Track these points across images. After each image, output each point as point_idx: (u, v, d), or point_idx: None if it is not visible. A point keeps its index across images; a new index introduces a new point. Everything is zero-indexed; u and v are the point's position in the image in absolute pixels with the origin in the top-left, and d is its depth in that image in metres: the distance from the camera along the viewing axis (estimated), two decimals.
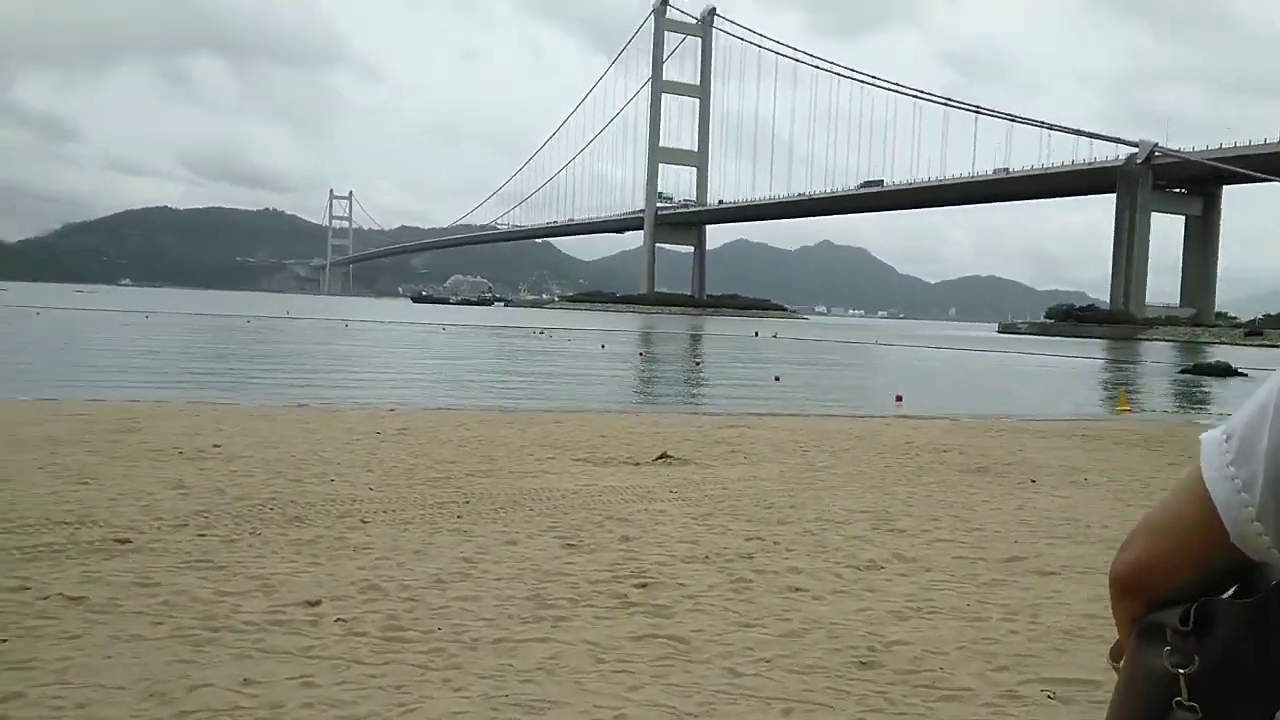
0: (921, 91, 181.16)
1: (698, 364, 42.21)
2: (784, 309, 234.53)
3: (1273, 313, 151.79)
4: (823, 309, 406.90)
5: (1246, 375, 42.42)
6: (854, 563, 5.90)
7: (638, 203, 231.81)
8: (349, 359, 36.40)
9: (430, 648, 4.18)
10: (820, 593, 5.19)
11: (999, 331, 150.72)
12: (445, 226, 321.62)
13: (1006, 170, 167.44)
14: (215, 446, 10.61)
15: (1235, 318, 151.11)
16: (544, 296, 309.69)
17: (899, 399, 25.06)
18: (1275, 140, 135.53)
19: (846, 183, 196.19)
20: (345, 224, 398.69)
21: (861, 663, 4.19)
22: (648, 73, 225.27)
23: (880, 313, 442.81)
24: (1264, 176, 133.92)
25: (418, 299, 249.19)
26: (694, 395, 27.13)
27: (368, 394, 21.91)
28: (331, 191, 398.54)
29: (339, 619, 4.52)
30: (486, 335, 64.04)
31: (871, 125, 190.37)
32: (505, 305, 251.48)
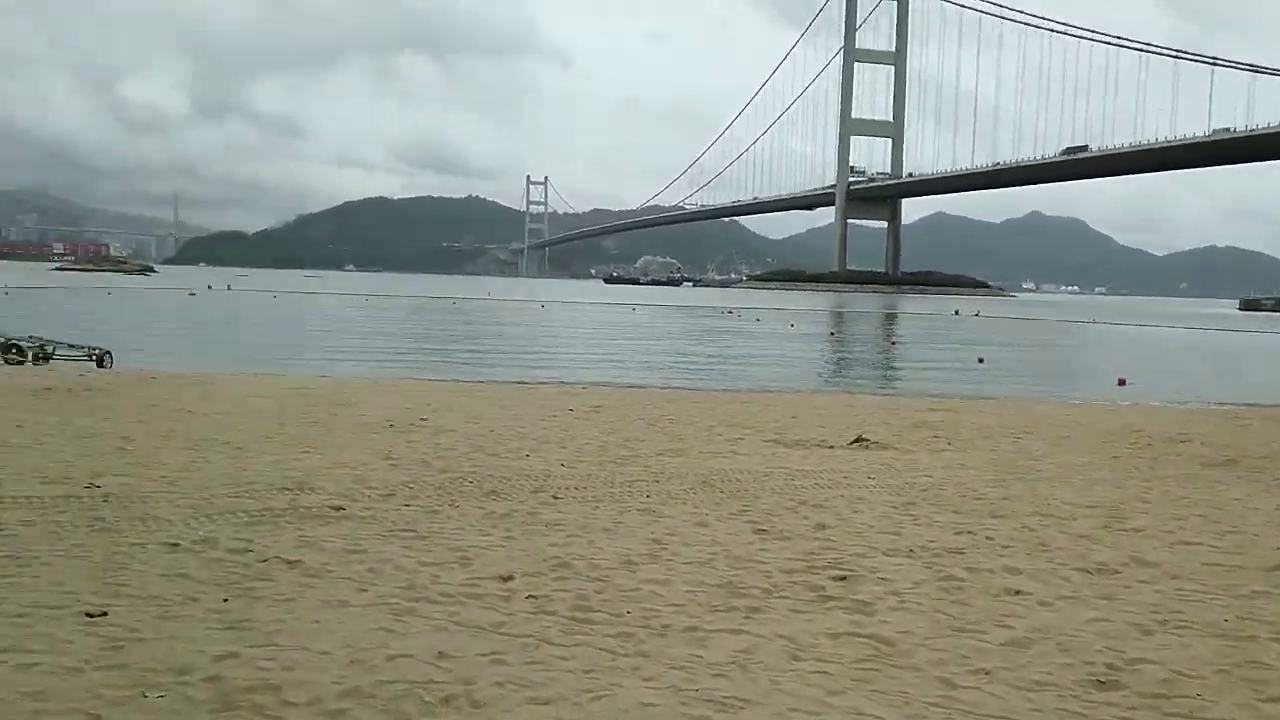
0: (1146, 44, 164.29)
1: (893, 344, 40.53)
2: (987, 286, 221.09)
3: None
4: (1031, 285, 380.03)
5: None
6: (1082, 565, 5.26)
7: (828, 178, 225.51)
8: (544, 338, 37.77)
9: (619, 631, 4.07)
10: (1045, 597, 4.64)
11: (1240, 309, 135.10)
12: (635, 208, 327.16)
13: (1249, 129, 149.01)
14: (422, 420, 11.15)
15: None
16: (732, 276, 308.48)
17: (1121, 382, 22.93)
18: None
19: (1057, 148, 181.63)
20: (541, 208, 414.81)
21: (1100, 682, 3.67)
22: (839, 43, 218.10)
23: (1098, 289, 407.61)
24: None
25: (609, 280, 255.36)
26: (890, 376, 25.99)
27: (562, 372, 22.56)
28: (528, 177, 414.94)
29: (530, 595, 4.51)
30: (675, 315, 64.57)
31: (1089, 85, 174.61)
32: (694, 285, 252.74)
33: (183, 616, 4.03)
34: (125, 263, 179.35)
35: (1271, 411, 16.61)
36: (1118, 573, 5.10)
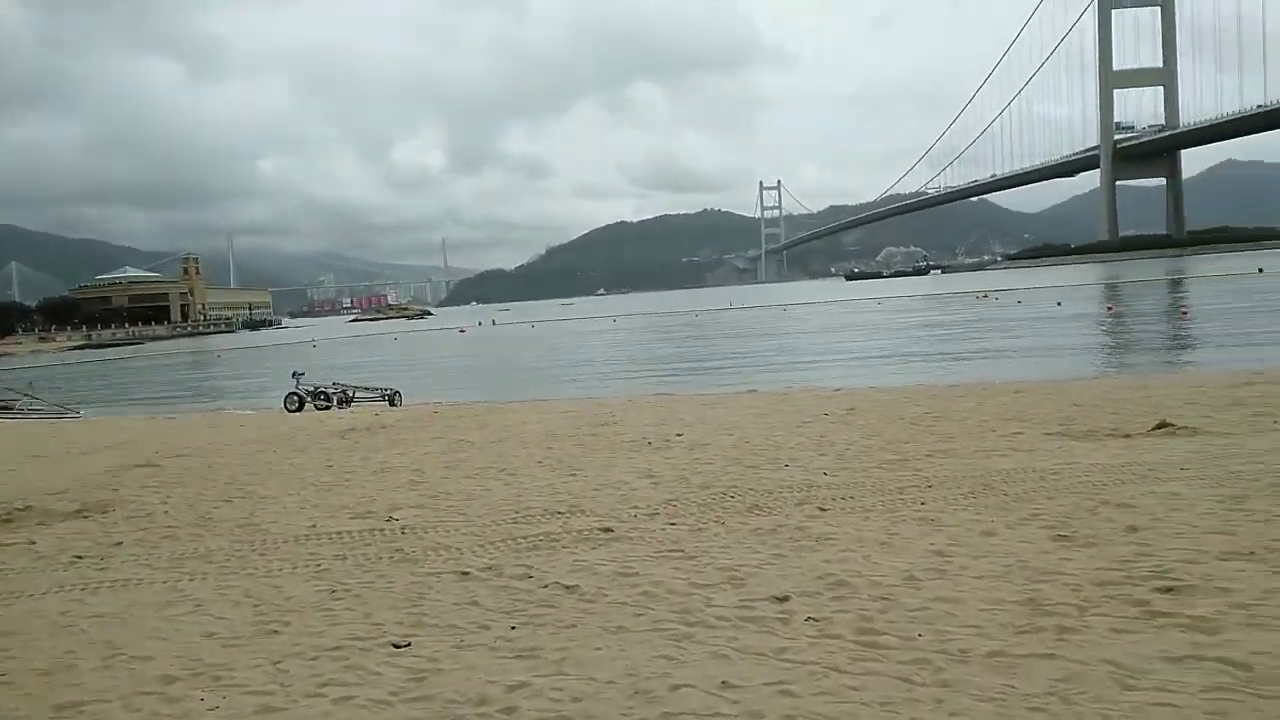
0: None
1: (1184, 314, 35.96)
2: None
3: None
4: None
5: None
6: None
7: (1089, 139, 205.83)
8: (788, 342, 37.28)
9: (913, 657, 3.72)
10: None
11: None
12: (873, 200, 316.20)
13: None
14: (678, 435, 11.24)
15: None
16: (985, 259, 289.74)
17: None
18: None
19: None
20: (776, 213, 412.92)
21: None
22: None
23: None
24: None
25: (850, 276, 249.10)
26: (1187, 351, 23.00)
27: (811, 375, 22.07)
28: (761, 183, 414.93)
29: (809, 618, 4.27)
30: (923, 306, 61.48)
31: None
32: (943, 272, 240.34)
33: (476, 645, 4.20)
34: (406, 309, 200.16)
35: None
36: None
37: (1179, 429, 8.96)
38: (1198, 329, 28.43)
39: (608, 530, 6.25)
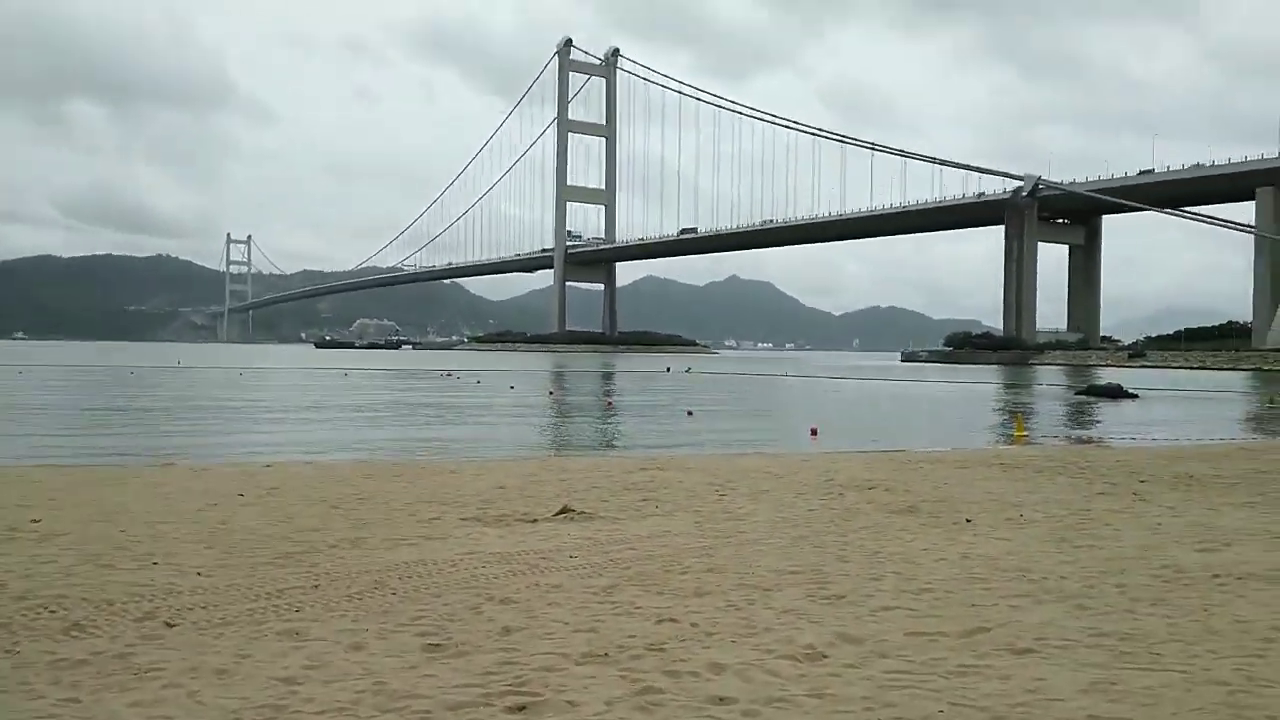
0: (819, 129, 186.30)
1: (609, 403, 41.07)
2: (695, 344, 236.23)
3: (1152, 335, 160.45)
4: (732, 343, 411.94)
5: (1137, 396, 43.71)
6: (790, 650, 4.76)
7: (547, 241, 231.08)
8: (235, 409, 33.89)
9: None
10: (752, 703, 4.02)
11: (902, 360, 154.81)
12: (350, 270, 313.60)
13: (903, 205, 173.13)
14: (34, 522, 8.88)
15: (1119, 340, 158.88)
16: (454, 338, 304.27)
17: (814, 432, 24.49)
18: (1145, 171, 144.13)
19: (750, 219, 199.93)
20: (244, 269, 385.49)
21: None
22: (552, 113, 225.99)
23: (788, 345, 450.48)
24: (1138, 206, 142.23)
25: (322, 344, 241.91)
26: (605, 436, 25.91)
27: (248, 447, 19.97)
28: (229, 236, 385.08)
29: None
30: (390, 379, 61.57)
31: (774, 163, 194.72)
32: (414, 348, 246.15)
33: None
34: None
35: (936, 454, 18.25)
36: (826, 657, 4.64)
37: (578, 513, 9.53)
38: (616, 416, 32.44)
39: None
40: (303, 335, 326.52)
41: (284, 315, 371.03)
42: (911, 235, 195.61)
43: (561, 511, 9.52)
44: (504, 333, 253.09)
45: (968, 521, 9.28)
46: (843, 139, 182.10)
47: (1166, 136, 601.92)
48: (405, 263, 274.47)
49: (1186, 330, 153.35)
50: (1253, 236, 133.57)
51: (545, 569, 6.73)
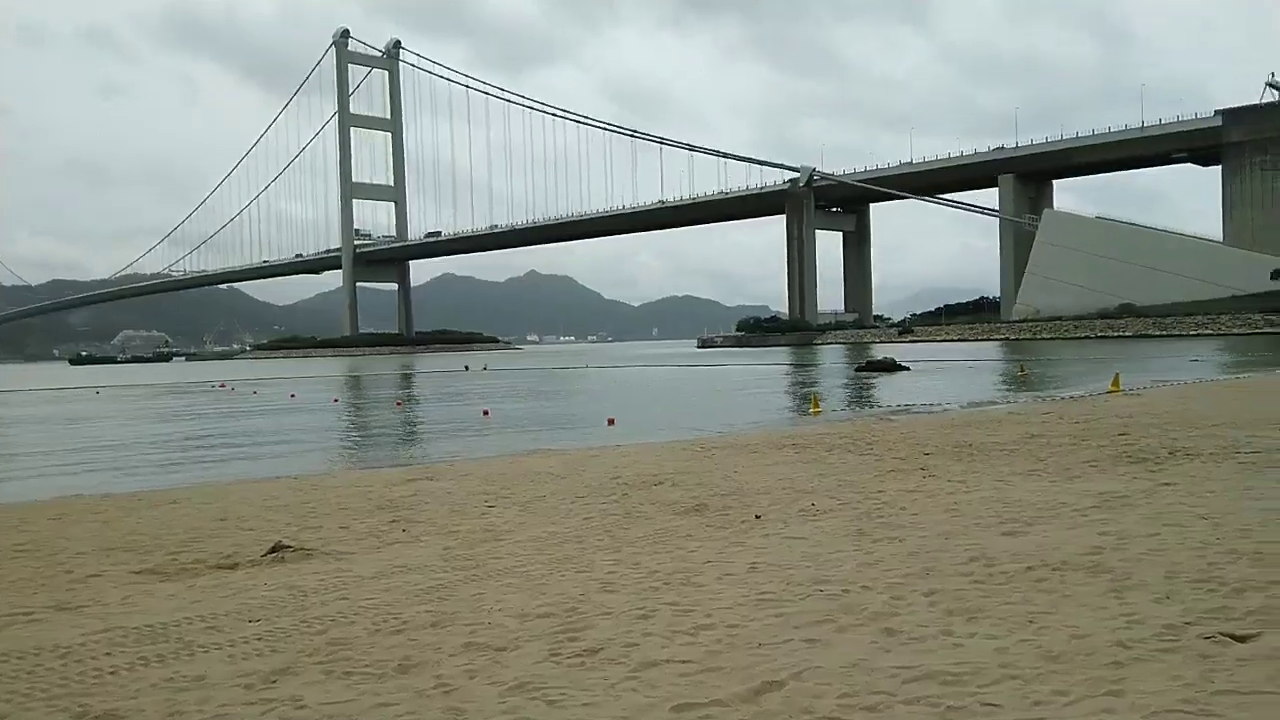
0: (608, 124, 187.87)
1: (399, 405, 38.30)
2: (497, 341, 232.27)
3: (918, 312, 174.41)
4: (535, 338, 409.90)
5: (909, 369, 46.35)
6: None
7: (334, 241, 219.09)
8: None
9: None
10: None
11: (699, 347, 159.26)
12: (108, 278, 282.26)
13: (692, 197, 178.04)
14: None
15: (890, 319, 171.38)
16: (234, 347, 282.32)
17: (611, 422, 23.56)
18: (905, 163, 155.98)
19: (546, 214, 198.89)
20: None
21: None
22: (332, 107, 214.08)
23: (590, 337, 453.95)
24: (900, 194, 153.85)
25: (77, 360, 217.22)
26: (387, 443, 23.55)
27: None
28: None
29: None
30: (153, 395, 55.04)
31: (566, 159, 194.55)
32: (187, 359, 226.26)
33: None
34: None
35: (730, 438, 17.57)
36: None
37: (295, 550, 7.63)
38: (404, 419, 29.94)
39: None
40: (55, 352, 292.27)
41: (30, 331, 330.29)
42: (702, 226, 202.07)
43: (273, 550, 7.58)
44: (291, 338, 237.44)
45: (757, 518, 8.24)
46: (632, 133, 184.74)
47: (921, 131, 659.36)
48: (173, 269, 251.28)
49: (946, 307, 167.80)
50: (998, 220, 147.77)
51: (197, 648, 4.86)
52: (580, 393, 43.59)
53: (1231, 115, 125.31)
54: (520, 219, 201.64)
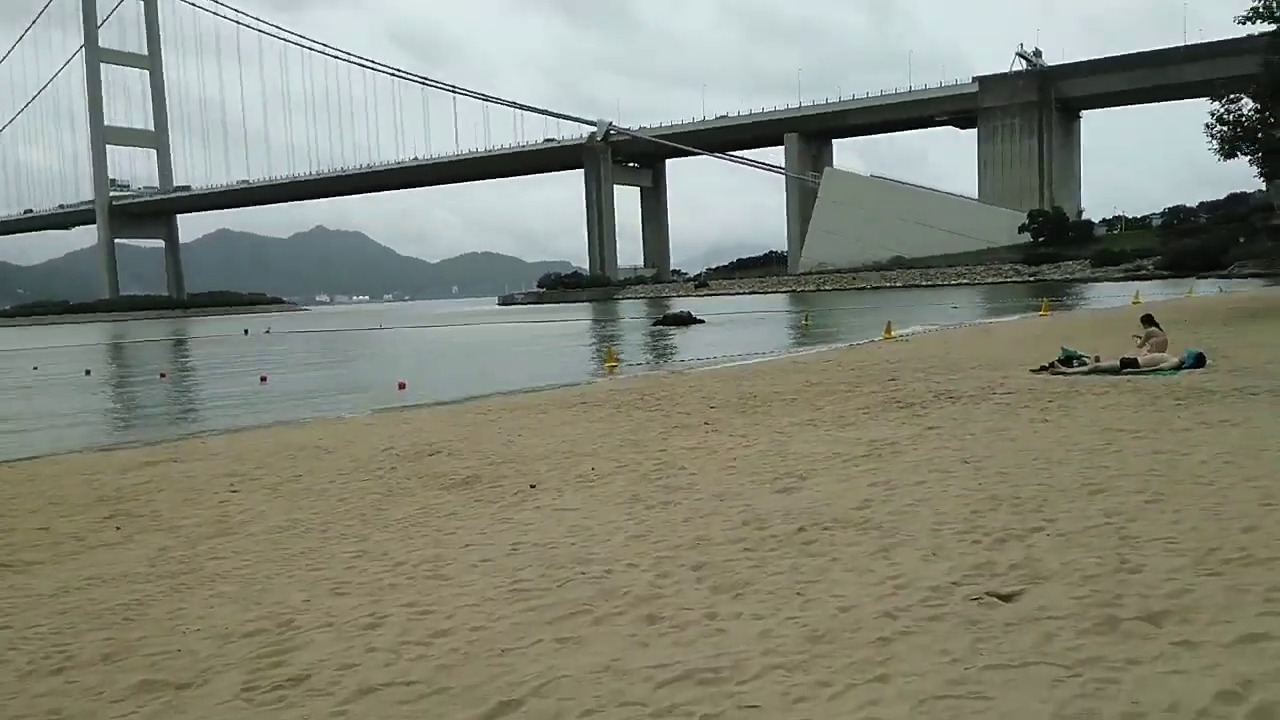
0: (396, 69, 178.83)
1: (163, 377, 34.59)
2: (281, 301, 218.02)
3: (713, 266, 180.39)
4: (325, 298, 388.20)
5: (704, 321, 47.59)
6: None
7: (85, 192, 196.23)
8: None
9: None
10: None
11: (499, 304, 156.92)
12: None
13: (488, 150, 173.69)
14: None
15: (686, 273, 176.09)
16: None
17: (402, 386, 22.28)
18: (699, 120, 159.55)
19: (331, 165, 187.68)
20: None
21: None
22: (77, 40, 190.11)
23: (386, 296, 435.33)
24: (694, 150, 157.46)
25: None
26: (141, 422, 20.97)
27: None
28: None
29: None
30: None
31: (352, 106, 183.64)
32: None
33: None
34: None
35: (519, 398, 16.92)
36: None
37: None
38: (168, 393, 26.93)
39: None
40: None
41: None
42: (501, 180, 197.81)
43: None
44: (38, 303, 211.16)
45: (532, 488, 7.65)
46: (423, 81, 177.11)
47: (711, 90, 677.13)
48: None
49: (739, 261, 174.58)
50: (784, 177, 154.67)
51: None
52: (372, 356, 41.31)
53: (986, 82, 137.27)
54: (304, 170, 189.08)
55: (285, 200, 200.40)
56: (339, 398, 21.61)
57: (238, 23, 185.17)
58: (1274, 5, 22.19)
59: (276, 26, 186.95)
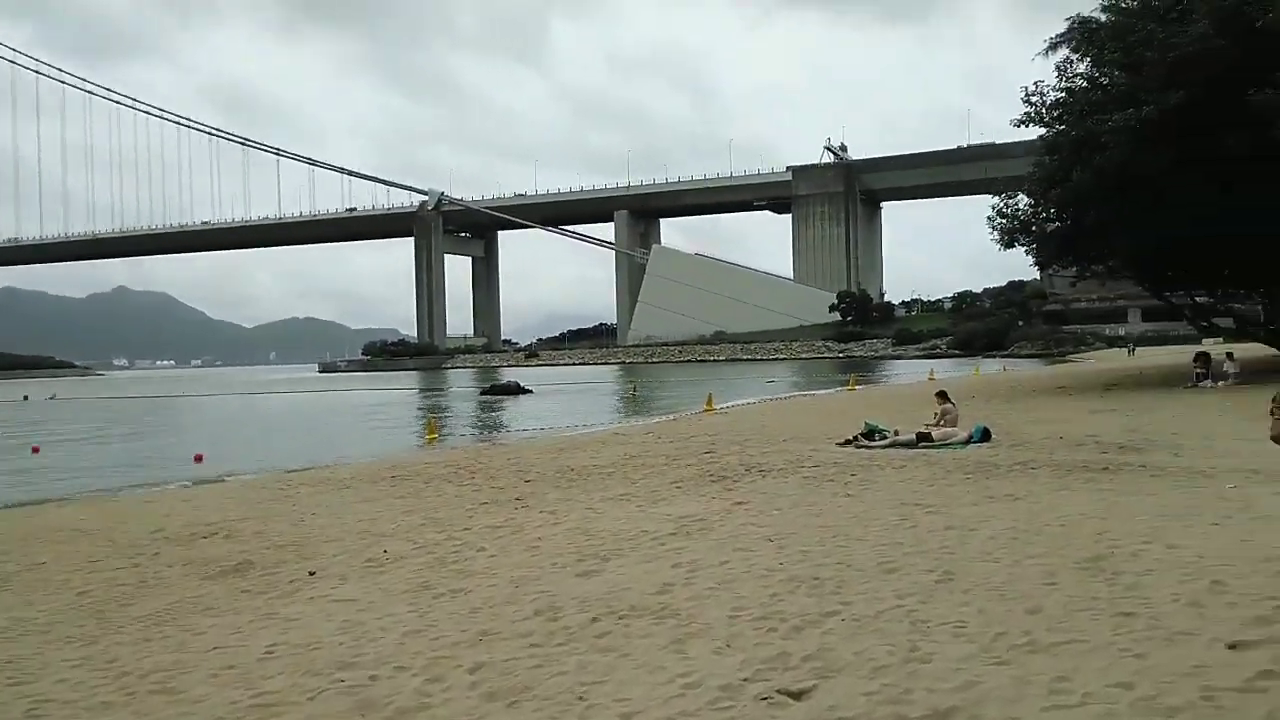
0: (216, 129, 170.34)
1: None
2: (73, 365, 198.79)
3: (544, 337, 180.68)
4: (123, 362, 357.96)
5: (532, 391, 46.98)
6: None
7: None
8: None
9: None
10: None
11: (320, 371, 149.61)
12: None
13: (314, 214, 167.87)
14: None
15: (517, 343, 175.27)
16: None
17: (199, 459, 20.24)
18: (531, 194, 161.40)
19: (138, 223, 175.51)
20: None
21: None
22: None
23: (194, 361, 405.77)
24: (525, 223, 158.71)
25: None
26: None
27: None
28: None
29: None
30: None
31: (164, 163, 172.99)
32: None
33: None
34: None
35: (324, 472, 15.75)
36: None
37: None
38: None
39: None
40: None
41: None
42: (325, 245, 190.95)
43: None
44: None
45: (311, 575, 6.89)
46: (244, 141, 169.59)
47: (543, 165, 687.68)
48: None
49: (570, 332, 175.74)
50: (614, 252, 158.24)
51: None
52: (169, 426, 37.87)
53: (799, 172, 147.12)
54: (106, 227, 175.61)
55: (85, 258, 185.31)
56: (120, 472, 19.46)
57: (38, 73, 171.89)
58: (1044, 112, 24.78)
59: (79, 78, 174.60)
